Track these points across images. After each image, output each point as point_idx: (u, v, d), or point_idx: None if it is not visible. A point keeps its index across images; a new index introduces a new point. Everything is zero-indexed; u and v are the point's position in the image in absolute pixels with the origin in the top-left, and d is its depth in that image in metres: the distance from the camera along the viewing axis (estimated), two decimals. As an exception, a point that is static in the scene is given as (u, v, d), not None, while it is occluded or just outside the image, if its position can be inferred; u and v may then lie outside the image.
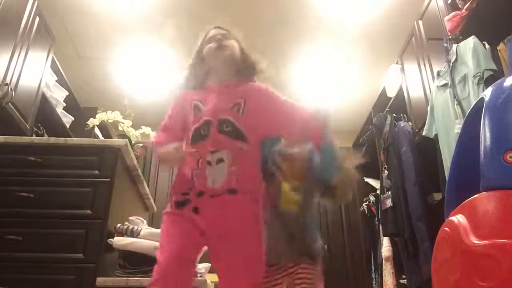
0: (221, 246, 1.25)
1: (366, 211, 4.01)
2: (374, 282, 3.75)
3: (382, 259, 3.39)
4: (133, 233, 1.85)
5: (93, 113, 3.10)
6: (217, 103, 1.36)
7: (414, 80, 2.96)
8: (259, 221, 1.30)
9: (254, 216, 1.29)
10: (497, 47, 2.13)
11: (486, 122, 1.07)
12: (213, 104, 1.36)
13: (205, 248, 1.35)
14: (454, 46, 2.32)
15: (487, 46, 2.18)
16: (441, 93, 2.39)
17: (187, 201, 1.27)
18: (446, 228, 1.10)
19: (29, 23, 2.60)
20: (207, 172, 1.27)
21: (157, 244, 1.78)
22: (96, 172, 1.94)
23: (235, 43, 1.46)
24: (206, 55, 1.45)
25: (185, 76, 1.49)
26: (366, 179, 4.19)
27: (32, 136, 2.61)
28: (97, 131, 3.57)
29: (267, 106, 1.39)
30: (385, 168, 3.19)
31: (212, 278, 1.89)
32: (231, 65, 1.44)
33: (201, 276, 1.92)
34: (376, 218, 3.77)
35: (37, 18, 2.70)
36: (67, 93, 3.34)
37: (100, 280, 1.71)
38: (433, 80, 2.56)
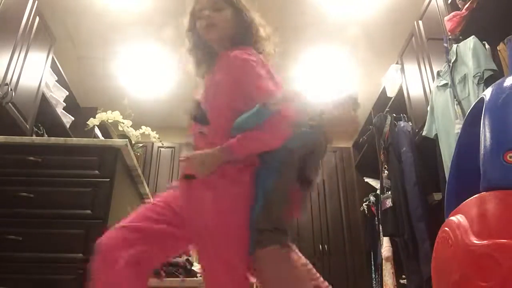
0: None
1: (366, 211, 4.02)
2: (374, 282, 3.75)
3: (382, 259, 3.39)
4: (133, 233, 1.84)
5: (93, 113, 3.10)
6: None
7: (414, 80, 2.96)
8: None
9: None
10: (497, 47, 2.13)
11: (486, 122, 1.06)
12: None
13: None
14: (454, 46, 2.32)
15: (487, 46, 2.18)
16: (441, 93, 2.39)
17: None
18: (446, 228, 1.10)
19: (29, 23, 2.59)
20: None
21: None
22: (96, 172, 1.94)
23: (227, 12, 1.32)
24: (199, 31, 1.35)
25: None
26: (366, 179, 4.20)
27: (32, 136, 2.61)
28: (97, 131, 3.57)
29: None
30: (385, 168, 3.19)
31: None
32: (224, 41, 1.34)
33: (201, 276, 1.92)
34: (376, 218, 3.77)
35: (37, 18, 2.70)
36: (67, 93, 3.34)
37: (100, 280, 1.71)
38: (433, 80, 2.56)
